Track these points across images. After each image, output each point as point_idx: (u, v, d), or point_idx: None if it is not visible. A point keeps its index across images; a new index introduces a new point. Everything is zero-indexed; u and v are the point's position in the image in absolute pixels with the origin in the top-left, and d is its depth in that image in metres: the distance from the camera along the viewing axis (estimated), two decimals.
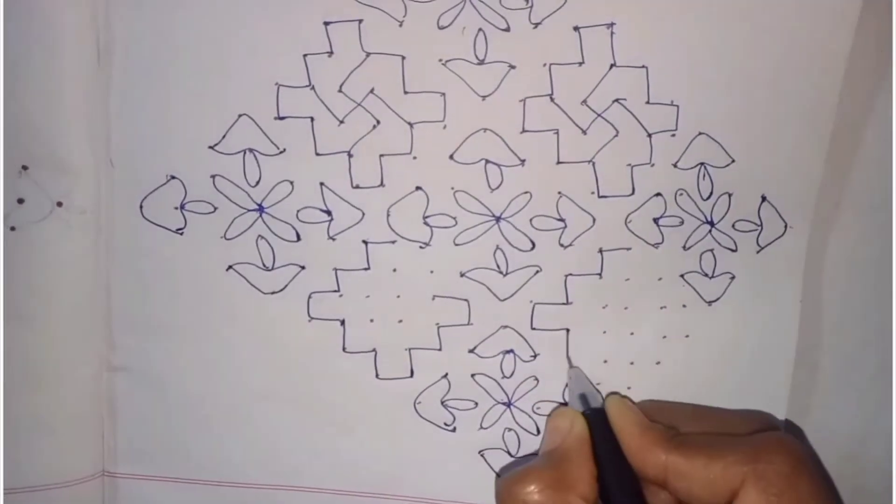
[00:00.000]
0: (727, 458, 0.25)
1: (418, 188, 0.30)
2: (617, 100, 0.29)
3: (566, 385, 0.31)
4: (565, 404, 0.31)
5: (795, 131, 0.29)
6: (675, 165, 0.30)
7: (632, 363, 0.31)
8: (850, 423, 0.32)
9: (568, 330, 0.31)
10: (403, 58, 0.29)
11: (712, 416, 0.30)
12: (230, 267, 0.30)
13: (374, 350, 0.31)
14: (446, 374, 0.31)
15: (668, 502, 0.27)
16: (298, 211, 0.30)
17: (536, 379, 0.31)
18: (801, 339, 0.31)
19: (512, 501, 0.26)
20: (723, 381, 0.31)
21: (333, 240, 0.30)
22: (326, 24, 0.28)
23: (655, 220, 0.30)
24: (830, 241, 0.31)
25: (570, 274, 0.30)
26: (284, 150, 0.29)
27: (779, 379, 0.31)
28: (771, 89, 0.29)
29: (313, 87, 0.29)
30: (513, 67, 0.29)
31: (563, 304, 0.31)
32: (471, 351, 0.31)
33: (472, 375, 0.31)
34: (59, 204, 0.29)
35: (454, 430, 0.32)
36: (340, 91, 0.29)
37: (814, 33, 0.28)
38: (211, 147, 0.29)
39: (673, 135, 0.29)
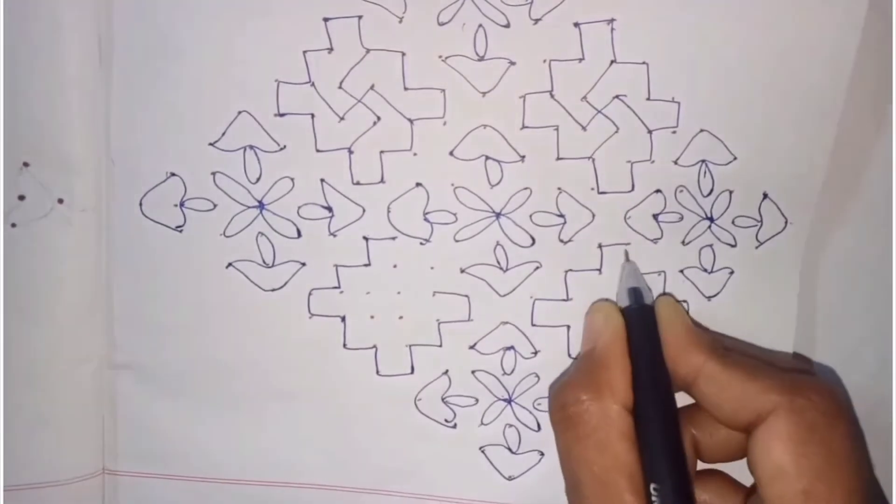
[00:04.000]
0: (766, 381, 0.25)
1: (418, 184, 0.30)
2: (617, 96, 0.29)
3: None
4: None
5: (798, 128, 0.29)
6: (675, 162, 0.30)
7: None
8: None
9: (569, 326, 0.31)
10: (403, 54, 0.29)
11: (757, 348, 0.30)
12: (230, 264, 0.30)
13: (374, 346, 0.31)
14: (447, 371, 0.31)
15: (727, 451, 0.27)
16: (299, 207, 0.30)
17: (537, 375, 0.31)
18: (798, 334, 0.31)
19: (555, 414, 0.26)
20: None
21: (334, 236, 0.30)
22: (326, 20, 0.28)
23: (655, 217, 0.30)
24: (831, 237, 0.31)
25: (570, 270, 0.30)
26: (285, 146, 0.29)
27: None
28: (773, 86, 0.29)
29: (313, 84, 0.29)
30: (513, 64, 0.29)
31: (564, 300, 0.31)
32: (471, 347, 0.31)
33: (473, 372, 0.31)
34: (60, 201, 0.29)
35: (455, 426, 0.32)
36: (340, 87, 0.29)
37: (818, 30, 0.28)
38: (211, 144, 0.29)
39: (674, 131, 0.29)
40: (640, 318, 0.27)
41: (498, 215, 0.30)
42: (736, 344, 0.29)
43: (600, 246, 0.30)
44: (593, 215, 0.30)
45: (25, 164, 0.29)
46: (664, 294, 0.30)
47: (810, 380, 0.25)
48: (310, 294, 0.30)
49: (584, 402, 0.25)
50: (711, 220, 0.30)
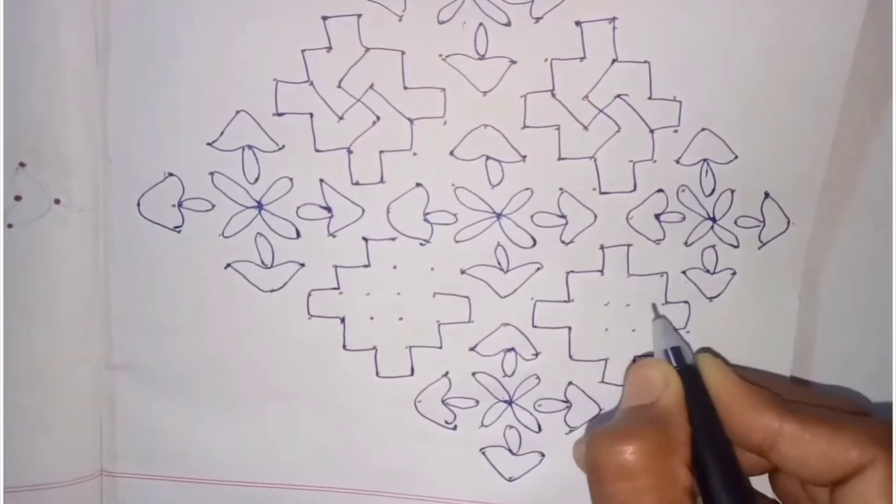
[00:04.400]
0: (855, 433, 0.24)
1: (418, 185, 0.29)
2: (619, 95, 0.29)
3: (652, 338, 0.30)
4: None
5: (799, 127, 0.29)
6: (677, 161, 0.29)
7: (634, 360, 0.31)
8: None
9: (570, 327, 0.30)
10: (403, 53, 0.28)
11: (807, 392, 0.29)
12: (229, 265, 0.30)
13: (374, 348, 0.31)
14: (447, 373, 0.31)
15: (751, 465, 0.26)
16: (298, 208, 0.30)
17: (538, 377, 0.31)
18: (799, 335, 0.31)
19: (607, 460, 0.23)
20: None
21: (333, 237, 0.30)
22: (325, 18, 0.28)
23: (657, 217, 0.30)
24: (832, 237, 0.31)
25: (572, 271, 0.30)
26: (283, 146, 0.29)
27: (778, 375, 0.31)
28: (775, 85, 0.28)
29: (312, 83, 0.29)
30: (514, 62, 0.28)
31: (565, 301, 0.30)
32: (471, 349, 0.31)
33: (473, 373, 0.31)
34: (57, 201, 0.29)
35: (455, 428, 0.31)
36: (340, 87, 0.29)
37: (820, 28, 0.28)
38: (209, 144, 0.29)
39: (675, 131, 0.29)
40: (691, 380, 0.26)
41: (499, 216, 0.30)
42: (778, 386, 0.28)
43: (602, 247, 0.30)
44: (595, 216, 0.30)
45: (22, 165, 0.29)
46: (703, 350, 0.29)
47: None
48: (309, 295, 0.30)
49: (645, 454, 0.23)
50: (714, 220, 0.30)
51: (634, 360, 0.30)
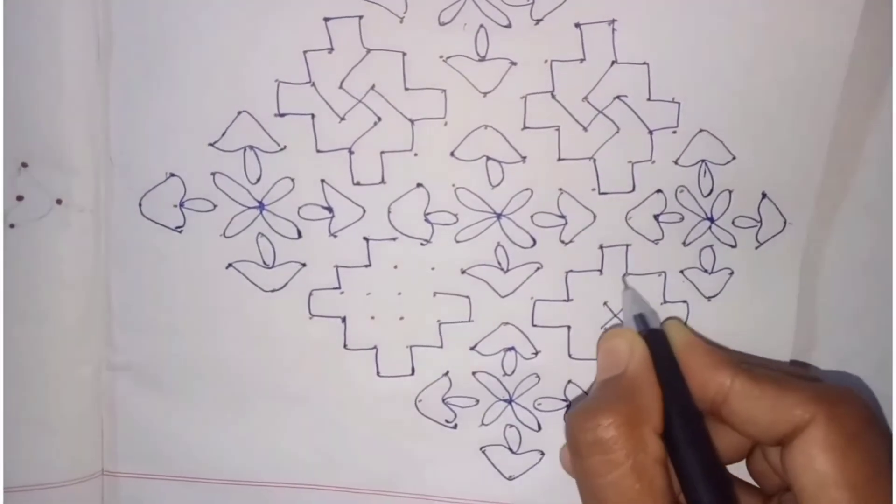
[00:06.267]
0: (800, 392, 0.25)
1: (419, 185, 0.30)
2: (618, 96, 0.29)
3: (621, 309, 0.30)
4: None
5: (796, 128, 0.29)
6: (675, 162, 0.30)
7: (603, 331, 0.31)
8: None
9: (569, 327, 0.31)
10: (404, 54, 0.29)
11: (769, 361, 0.30)
12: (230, 265, 0.30)
13: (375, 347, 0.31)
14: (447, 372, 0.31)
15: (725, 446, 0.27)
16: (299, 208, 0.30)
17: (538, 376, 0.31)
18: (798, 335, 0.31)
19: (583, 436, 0.25)
20: None
21: (334, 237, 0.30)
22: (326, 20, 0.28)
23: (656, 217, 0.30)
24: (830, 237, 0.31)
25: (571, 270, 0.30)
26: (285, 147, 0.29)
27: None
28: (773, 86, 0.29)
29: (314, 84, 0.29)
30: (514, 64, 0.29)
31: (564, 300, 0.31)
32: (472, 348, 0.31)
33: (474, 373, 0.31)
34: (59, 201, 0.29)
35: (455, 426, 0.32)
36: (341, 88, 0.29)
37: (816, 31, 0.28)
38: (211, 144, 0.29)
39: (674, 132, 0.29)
40: (655, 344, 0.27)
41: (499, 216, 0.30)
42: (752, 360, 0.29)
43: (601, 247, 0.30)
44: (594, 216, 0.30)
45: (24, 165, 0.29)
46: (670, 318, 0.30)
47: (843, 389, 0.25)
48: (310, 295, 0.30)
49: (617, 427, 0.24)
50: (712, 220, 0.30)
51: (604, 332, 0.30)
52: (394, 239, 0.30)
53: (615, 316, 0.31)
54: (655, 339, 0.27)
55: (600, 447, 0.24)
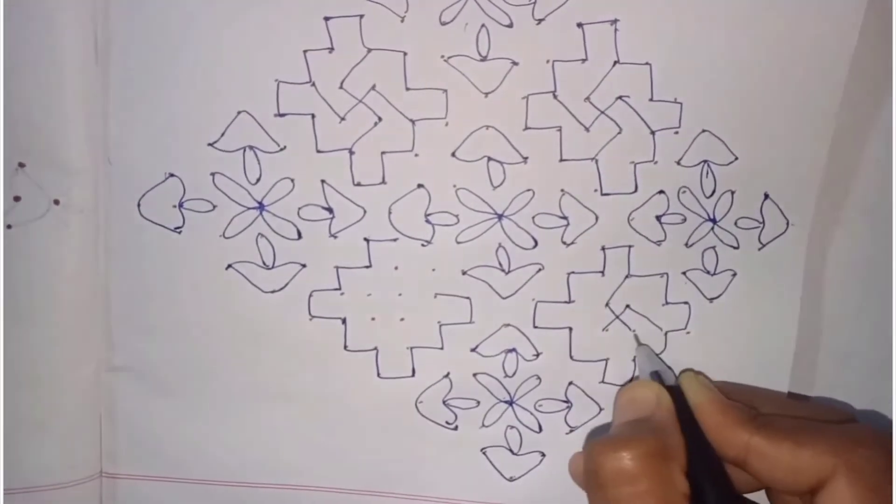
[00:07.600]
0: (817, 445, 0.24)
1: (420, 186, 0.29)
2: (620, 97, 0.29)
3: (633, 361, 0.31)
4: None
5: (798, 129, 0.29)
6: (678, 163, 0.29)
7: (634, 361, 0.31)
8: None
9: (570, 328, 0.31)
10: (405, 54, 0.28)
11: (788, 402, 0.30)
12: (230, 265, 0.30)
13: (375, 349, 0.31)
14: (448, 374, 0.31)
15: (748, 481, 0.27)
16: (299, 209, 0.30)
17: (539, 378, 0.31)
18: (800, 336, 0.31)
19: (609, 465, 0.24)
20: (723, 378, 0.31)
21: (335, 238, 0.30)
22: (327, 19, 0.28)
23: (658, 218, 0.30)
24: (832, 238, 0.31)
25: (573, 272, 0.30)
26: (285, 147, 0.29)
27: (778, 376, 0.31)
28: (774, 87, 0.29)
29: (314, 84, 0.28)
30: (515, 64, 0.28)
31: (566, 302, 0.30)
32: (473, 350, 0.31)
33: (474, 374, 0.31)
34: (57, 202, 0.29)
35: (456, 428, 0.31)
36: (341, 87, 0.29)
37: (818, 31, 0.28)
38: (210, 144, 0.29)
39: (676, 132, 0.29)
40: (677, 399, 0.27)
41: (500, 217, 0.30)
42: (762, 398, 0.29)
43: (603, 248, 0.30)
44: (596, 217, 0.30)
45: (21, 165, 0.29)
46: (686, 371, 0.30)
47: (858, 433, 0.25)
48: (310, 296, 0.30)
49: (647, 458, 0.24)
50: (714, 221, 0.30)
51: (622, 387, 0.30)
52: (394, 240, 0.30)
53: (617, 318, 0.31)
54: (673, 394, 0.27)
55: (627, 478, 0.24)
